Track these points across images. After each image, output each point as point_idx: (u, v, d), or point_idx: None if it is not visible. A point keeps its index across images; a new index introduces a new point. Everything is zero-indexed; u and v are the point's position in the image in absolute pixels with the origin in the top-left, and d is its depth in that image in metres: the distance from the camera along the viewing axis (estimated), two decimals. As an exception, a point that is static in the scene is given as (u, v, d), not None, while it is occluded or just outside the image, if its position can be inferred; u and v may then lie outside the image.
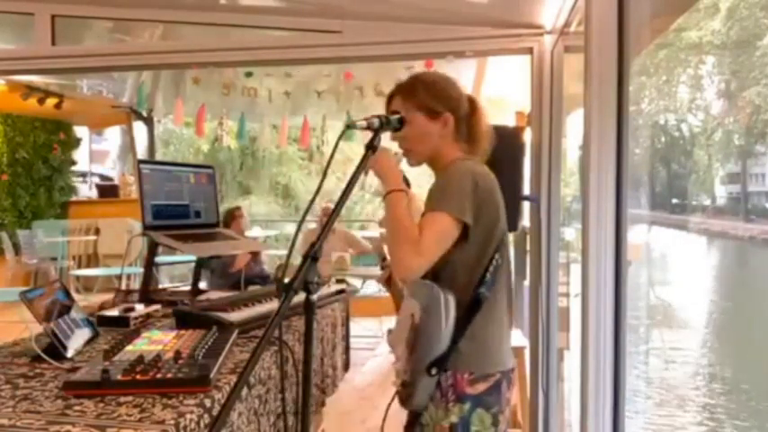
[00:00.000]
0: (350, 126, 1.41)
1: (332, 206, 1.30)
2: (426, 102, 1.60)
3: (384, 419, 1.63)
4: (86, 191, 10.10)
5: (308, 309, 1.20)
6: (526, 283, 3.64)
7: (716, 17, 11.93)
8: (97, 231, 8.17)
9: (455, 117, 1.62)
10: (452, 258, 1.51)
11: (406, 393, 1.54)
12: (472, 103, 1.68)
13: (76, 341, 1.56)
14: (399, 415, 1.63)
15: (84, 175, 10.51)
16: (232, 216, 5.03)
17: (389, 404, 1.60)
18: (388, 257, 1.73)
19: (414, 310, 1.51)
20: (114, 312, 1.92)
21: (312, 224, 6.12)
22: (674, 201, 15.25)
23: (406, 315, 1.55)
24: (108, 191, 8.88)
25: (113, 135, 13.27)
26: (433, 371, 1.49)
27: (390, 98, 1.66)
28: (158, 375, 1.25)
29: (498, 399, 1.53)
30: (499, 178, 2.05)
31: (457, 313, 1.49)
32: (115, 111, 7.67)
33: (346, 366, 2.59)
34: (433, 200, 1.52)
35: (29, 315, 1.51)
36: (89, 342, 1.64)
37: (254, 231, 8.30)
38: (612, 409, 1.59)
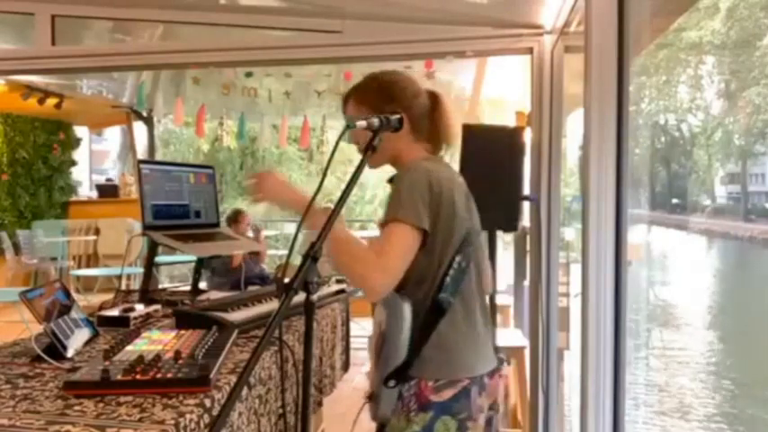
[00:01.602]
0: (350, 126, 1.41)
1: (332, 206, 1.29)
2: (377, 103, 1.55)
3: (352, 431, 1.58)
4: (86, 191, 10.09)
5: (308, 309, 1.20)
6: (526, 283, 3.64)
7: (716, 17, 11.93)
8: (97, 231, 8.17)
9: (409, 116, 1.54)
10: (413, 264, 1.44)
11: (372, 405, 1.49)
12: (434, 98, 1.62)
13: (76, 341, 1.56)
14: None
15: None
16: (236, 219, 5.05)
17: (357, 416, 1.55)
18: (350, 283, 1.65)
19: (381, 318, 1.48)
20: (114, 312, 1.92)
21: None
22: (674, 201, 15.25)
23: (376, 323, 1.52)
24: (108, 191, 8.88)
25: (113, 135, 13.27)
26: (391, 383, 1.43)
27: (345, 101, 1.62)
28: (158, 375, 1.25)
29: (467, 405, 1.44)
30: (499, 178, 2.04)
31: (418, 321, 1.44)
32: (115, 111, 7.67)
33: (346, 366, 2.59)
34: (390, 208, 1.44)
35: (29, 315, 1.51)
36: (89, 342, 1.64)
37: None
38: (612, 409, 1.60)
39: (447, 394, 1.44)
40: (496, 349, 1.63)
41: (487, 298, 1.64)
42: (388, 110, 1.51)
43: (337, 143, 1.42)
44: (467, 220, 1.51)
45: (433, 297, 1.45)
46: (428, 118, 1.59)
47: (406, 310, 1.43)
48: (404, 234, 1.40)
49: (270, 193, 1.59)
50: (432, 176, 1.45)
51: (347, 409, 1.73)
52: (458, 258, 1.46)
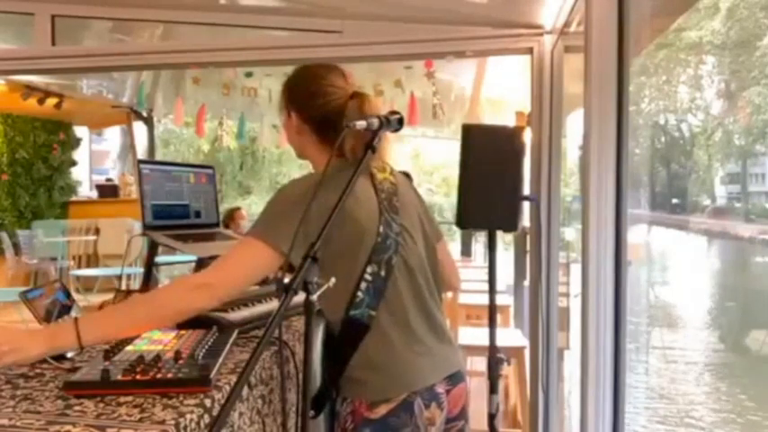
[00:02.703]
0: (349, 126, 1.40)
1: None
2: (283, 98, 1.52)
3: None
4: (86, 191, 10.10)
5: (308, 309, 1.20)
6: (526, 283, 3.64)
7: (716, 17, 11.93)
8: (97, 231, 8.17)
9: (303, 117, 1.48)
10: None
11: None
12: (356, 101, 1.46)
13: (76, 341, 1.56)
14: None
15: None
16: (231, 217, 5.03)
17: None
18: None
19: None
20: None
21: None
22: (674, 201, 15.26)
23: None
24: (108, 191, 8.88)
25: (113, 135, 13.27)
26: (310, 413, 1.27)
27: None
28: (158, 375, 1.25)
29: (409, 419, 1.34)
30: (499, 178, 2.04)
31: (337, 340, 1.36)
32: (115, 111, 7.67)
33: (346, 366, 2.58)
34: (255, 222, 1.38)
35: (29, 315, 1.51)
36: (89, 342, 1.64)
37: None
38: (612, 409, 1.60)
39: (382, 410, 1.34)
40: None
41: (457, 300, 1.56)
42: (288, 106, 1.50)
43: (337, 143, 1.41)
44: (371, 228, 1.38)
45: (346, 315, 1.35)
46: (337, 122, 1.40)
47: (317, 333, 1.35)
48: (251, 251, 1.32)
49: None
50: (310, 191, 1.23)
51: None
52: (369, 269, 1.35)
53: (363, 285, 1.35)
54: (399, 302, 1.39)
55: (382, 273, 1.36)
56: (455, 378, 1.45)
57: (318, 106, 1.46)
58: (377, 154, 1.36)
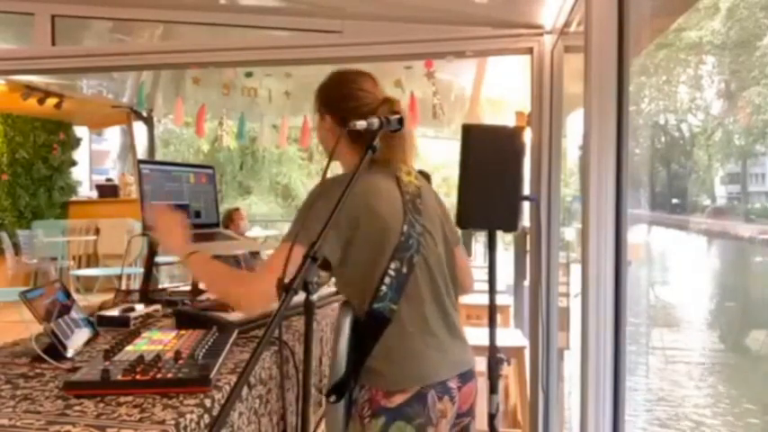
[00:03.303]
0: (349, 126, 1.41)
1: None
2: (317, 101, 1.61)
3: None
4: (86, 191, 10.10)
5: (308, 309, 1.20)
6: (526, 283, 3.64)
7: (716, 17, 11.93)
8: (97, 231, 8.18)
9: (336, 119, 1.57)
10: (338, 282, 1.53)
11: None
12: (386, 107, 1.54)
13: (76, 341, 1.57)
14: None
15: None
16: (231, 218, 5.03)
17: (315, 428, 1.56)
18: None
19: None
20: (114, 312, 1.92)
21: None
22: (674, 201, 15.25)
23: None
24: (108, 191, 8.88)
25: (113, 135, 13.27)
26: (332, 398, 1.43)
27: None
28: (158, 375, 1.25)
29: (422, 410, 1.42)
30: (499, 178, 2.05)
31: (360, 331, 1.44)
32: (115, 111, 7.67)
33: (346, 366, 2.58)
34: (292, 224, 1.46)
35: (29, 315, 1.51)
36: (89, 342, 1.64)
37: (254, 231, 8.30)
38: (612, 409, 1.60)
39: (398, 399, 1.42)
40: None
41: (459, 300, 1.63)
42: (322, 109, 1.59)
43: (337, 143, 1.42)
44: (395, 227, 1.47)
45: (368, 308, 1.43)
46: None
47: (346, 323, 1.44)
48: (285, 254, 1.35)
49: (162, 231, 1.68)
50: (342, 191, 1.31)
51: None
52: (393, 265, 1.44)
53: (387, 280, 1.43)
54: (418, 298, 1.47)
55: (404, 270, 1.45)
56: (466, 376, 1.54)
57: (351, 109, 1.53)
58: (401, 157, 1.53)
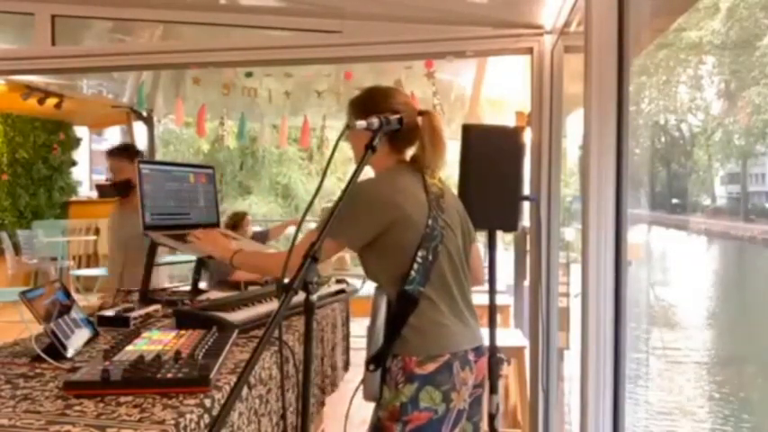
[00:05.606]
0: (350, 126, 1.42)
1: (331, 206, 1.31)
2: (356, 113, 1.70)
3: (348, 408, 1.74)
4: (86, 191, 10.10)
5: (308, 309, 1.20)
6: (526, 283, 3.64)
7: (716, 17, 11.92)
8: (97, 231, 8.17)
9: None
10: (372, 268, 1.71)
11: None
12: (426, 118, 1.74)
13: (76, 341, 1.57)
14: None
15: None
16: (237, 223, 5.03)
17: (353, 395, 1.70)
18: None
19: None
20: (114, 312, 1.92)
21: (312, 224, 6.12)
22: (674, 201, 15.25)
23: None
24: (108, 191, 8.86)
25: (113, 135, 13.26)
26: (371, 367, 1.63)
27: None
28: (158, 375, 1.25)
29: (449, 378, 1.61)
30: (499, 178, 2.06)
31: (393, 310, 1.64)
32: (115, 111, 7.65)
33: (346, 366, 2.59)
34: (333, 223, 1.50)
35: (29, 315, 1.51)
36: (89, 342, 1.64)
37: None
38: (612, 409, 1.60)
39: (430, 368, 1.61)
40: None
41: (473, 288, 1.83)
42: (360, 117, 1.64)
43: (337, 143, 1.43)
44: (421, 221, 1.66)
45: (401, 289, 1.63)
46: (407, 134, 1.71)
47: (382, 302, 1.65)
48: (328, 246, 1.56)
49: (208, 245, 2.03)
50: (379, 191, 1.67)
51: (347, 409, 1.76)
52: (420, 253, 1.64)
53: (415, 266, 1.64)
54: (443, 281, 1.69)
55: (430, 257, 1.65)
56: (480, 350, 1.75)
57: (394, 119, 1.66)
58: (424, 164, 1.73)
